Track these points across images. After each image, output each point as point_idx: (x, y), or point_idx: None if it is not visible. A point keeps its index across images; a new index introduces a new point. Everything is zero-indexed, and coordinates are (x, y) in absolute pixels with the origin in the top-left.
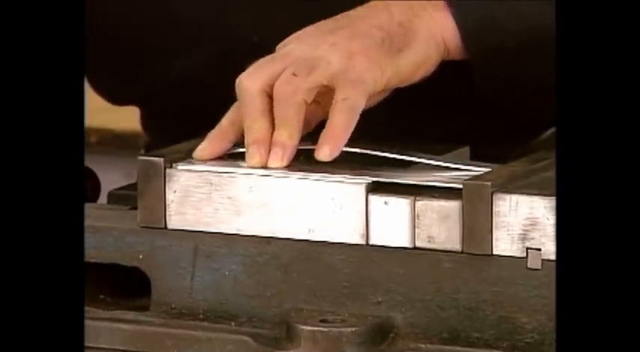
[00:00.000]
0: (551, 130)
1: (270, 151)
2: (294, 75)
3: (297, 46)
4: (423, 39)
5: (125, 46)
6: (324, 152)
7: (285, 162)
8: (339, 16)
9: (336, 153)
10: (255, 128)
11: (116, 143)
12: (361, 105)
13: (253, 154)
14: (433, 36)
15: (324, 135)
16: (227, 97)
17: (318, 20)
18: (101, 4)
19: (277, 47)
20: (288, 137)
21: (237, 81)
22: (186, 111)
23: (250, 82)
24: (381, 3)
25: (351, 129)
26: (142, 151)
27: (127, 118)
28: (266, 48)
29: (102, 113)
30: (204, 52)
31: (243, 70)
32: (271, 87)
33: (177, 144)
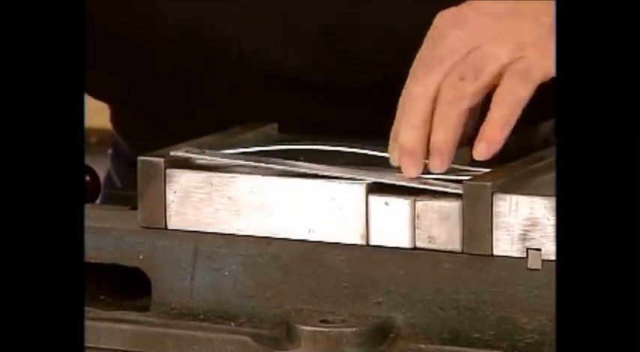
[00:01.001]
0: (548, 122)
1: (426, 157)
2: (462, 79)
3: (463, 36)
4: None
5: (110, 43)
6: (482, 151)
7: (445, 167)
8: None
9: (494, 152)
10: (413, 138)
11: None
12: (525, 100)
13: (409, 167)
14: None
15: (482, 131)
16: (205, 99)
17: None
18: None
19: (432, 34)
20: (444, 141)
21: (406, 86)
22: (166, 112)
23: (419, 88)
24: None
25: (512, 126)
26: (109, 151)
27: None
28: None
29: (102, 113)
30: (188, 55)
31: (226, 74)
32: (437, 90)
33: (177, 145)
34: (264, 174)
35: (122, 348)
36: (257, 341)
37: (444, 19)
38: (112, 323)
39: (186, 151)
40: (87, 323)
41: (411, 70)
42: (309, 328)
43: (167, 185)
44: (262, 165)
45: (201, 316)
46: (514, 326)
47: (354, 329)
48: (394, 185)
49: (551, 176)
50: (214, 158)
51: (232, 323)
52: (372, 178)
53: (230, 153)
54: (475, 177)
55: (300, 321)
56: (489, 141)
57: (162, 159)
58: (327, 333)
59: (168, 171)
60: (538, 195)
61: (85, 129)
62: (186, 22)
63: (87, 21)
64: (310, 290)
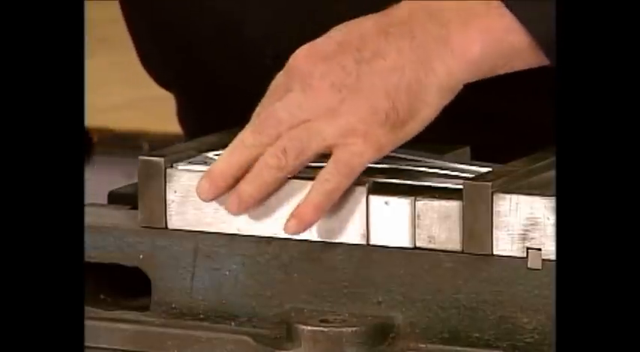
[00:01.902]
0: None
1: (220, 192)
2: (285, 151)
3: (303, 102)
4: (432, 101)
5: (169, 38)
6: (291, 226)
7: (238, 212)
8: (351, 46)
9: (302, 231)
10: (221, 170)
11: (116, 143)
12: (342, 189)
13: (204, 188)
14: (446, 91)
15: (296, 210)
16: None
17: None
18: None
19: (285, 79)
20: (250, 196)
21: (244, 130)
22: (219, 107)
23: (252, 139)
24: (396, 46)
25: (325, 210)
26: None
27: (127, 118)
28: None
29: (102, 113)
30: (226, 53)
31: (261, 74)
32: (264, 151)
33: (177, 144)
34: None
35: (122, 348)
36: (257, 340)
37: (296, 70)
38: (112, 323)
39: (187, 151)
40: (87, 323)
41: (255, 112)
42: (310, 328)
43: (167, 184)
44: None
45: (202, 316)
46: (514, 325)
47: (354, 329)
48: (394, 184)
49: (551, 176)
50: (214, 158)
51: (232, 323)
52: (372, 178)
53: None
54: (475, 177)
55: (301, 321)
56: (301, 220)
57: (162, 159)
58: (327, 333)
59: (168, 170)
60: (538, 194)
61: (85, 129)
62: (225, 22)
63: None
64: (310, 289)
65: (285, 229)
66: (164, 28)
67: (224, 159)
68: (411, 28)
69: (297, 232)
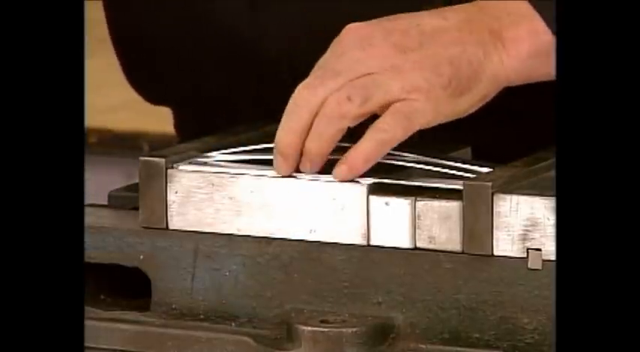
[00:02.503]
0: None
1: (298, 161)
2: (349, 99)
3: (363, 58)
4: (486, 83)
5: (165, 50)
6: (341, 172)
7: (313, 171)
8: (411, 22)
9: (351, 178)
10: (288, 142)
11: (116, 143)
12: (394, 142)
13: (280, 165)
14: (497, 81)
15: (347, 156)
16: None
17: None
18: (145, 9)
19: (335, 47)
20: (316, 153)
21: (297, 89)
22: (218, 118)
23: (307, 95)
24: (455, 26)
25: (375, 161)
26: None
27: (127, 119)
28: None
29: (102, 113)
30: (242, 67)
31: (278, 87)
32: (323, 101)
33: (178, 145)
34: (265, 175)
35: (122, 348)
36: (257, 341)
37: (350, 35)
38: (112, 323)
39: (187, 151)
40: (87, 323)
41: (310, 75)
42: (310, 328)
43: (168, 185)
44: (263, 165)
45: (202, 316)
46: (514, 326)
47: (354, 330)
48: (395, 185)
49: (551, 176)
50: (215, 158)
51: (232, 324)
52: (372, 178)
53: (231, 153)
54: (476, 178)
55: (301, 321)
56: (351, 167)
57: (163, 160)
58: (327, 333)
59: (169, 171)
60: (538, 195)
61: (85, 129)
62: (240, 36)
63: (145, 24)
64: (310, 290)
65: (335, 175)
66: (168, 45)
67: (284, 128)
68: (467, 16)
69: (346, 178)
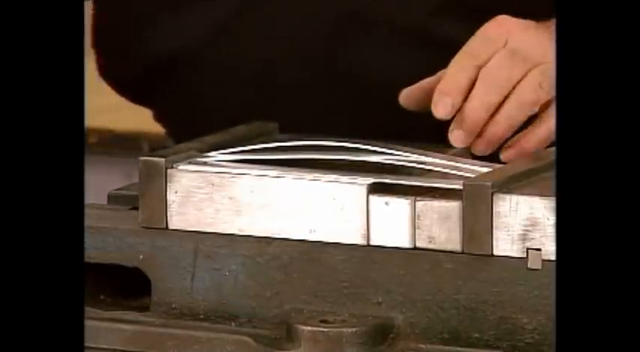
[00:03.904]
0: None
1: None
2: (541, 86)
3: (543, 49)
4: None
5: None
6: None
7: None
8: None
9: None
10: (455, 81)
11: (116, 143)
12: None
13: (438, 103)
14: None
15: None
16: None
17: None
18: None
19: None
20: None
21: (492, 22)
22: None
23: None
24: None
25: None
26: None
27: (127, 119)
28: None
29: (102, 113)
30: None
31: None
32: (515, 86)
33: (178, 145)
34: (265, 175)
35: (122, 348)
36: (257, 341)
37: (518, 26)
38: (112, 323)
39: (187, 151)
40: (87, 323)
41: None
42: (310, 328)
43: (168, 185)
44: (263, 165)
45: (202, 316)
46: (514, 326)
47: (354, 329)
48: (395, 185)
49: (551, 176)
50: (215, 158)
51: (232, 323)
52: (372, 178)
53: (231, 153)
54: (475, 177)
55: (301, 321)
56: (522, 152)
57: (163, 159)
58: (327, 333)
59: (169, 171)
60: (538, 195)
61: (85, 129)
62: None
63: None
64: (310, 290)
65: (505, 157)
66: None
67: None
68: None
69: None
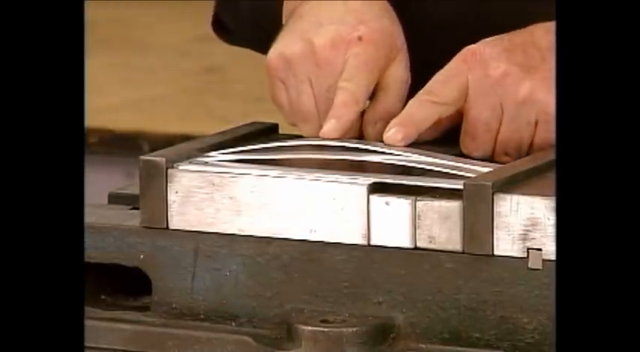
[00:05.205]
0: None
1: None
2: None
3: (513, 70)
4: None
5: None
6: None
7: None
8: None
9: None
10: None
11: (116, 143)
12: None
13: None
14: None
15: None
16: None
17: None
18: None
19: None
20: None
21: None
22: None
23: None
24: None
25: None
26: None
27: (127, 119)
28: None
29: (102, 113)
30: None
31: None
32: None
33: (178, 145)
34: (265, 174)
35: (122, 348)
36: (257, 341)
37: (492, 46)
38: (112, 323)
39: (187, 151)
40: (87, 323)
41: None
42: (310, 328)
43: (169, 185)
44: (263, 165)
45: (202, 316)
46: (515, 326)
47: (354, 329)
48: (395, 185)
49: (551, 176)
50: (215, 158)
51: (233, 323)
52: (373, 178)
53: (231, 153)
54: (476, 177)
55: (301, 321)
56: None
57: (163, 159)
58: (327, 333)
59: (169, 171)
60: (539, 195)
61: (85, 129)
62: None
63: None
64: (311, 290)
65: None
66: None
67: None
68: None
69: None
